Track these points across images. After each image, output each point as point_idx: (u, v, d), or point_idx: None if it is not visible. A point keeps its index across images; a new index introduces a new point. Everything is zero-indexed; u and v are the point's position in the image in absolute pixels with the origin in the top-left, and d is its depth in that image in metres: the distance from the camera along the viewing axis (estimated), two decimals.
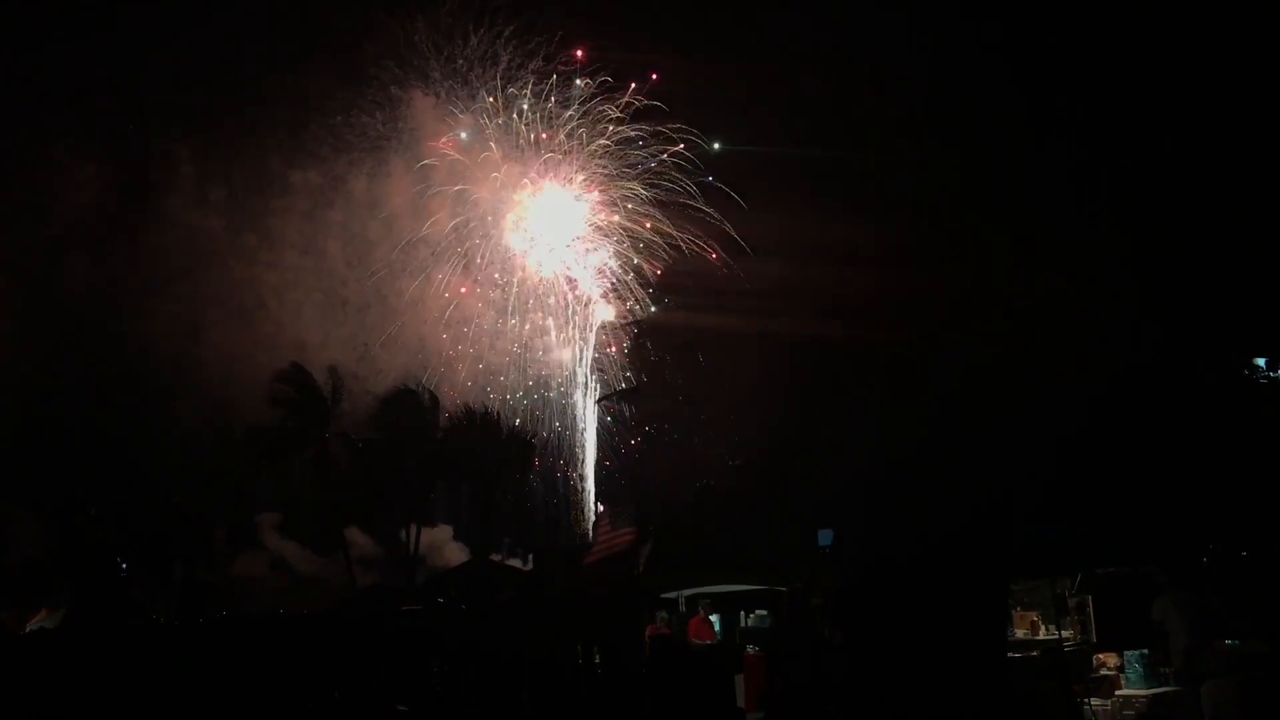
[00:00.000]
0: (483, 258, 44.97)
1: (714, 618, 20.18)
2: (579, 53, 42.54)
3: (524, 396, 45.24)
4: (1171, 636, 11.74)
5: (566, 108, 43.77)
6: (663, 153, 43.37)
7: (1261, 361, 32.97)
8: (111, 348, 40.66)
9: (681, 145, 43.19)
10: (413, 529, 39.70)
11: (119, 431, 39.01)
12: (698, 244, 43.53)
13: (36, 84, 40.57)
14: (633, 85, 42.93)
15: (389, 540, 41.85)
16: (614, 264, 45.43)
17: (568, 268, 45.73)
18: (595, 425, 45.33)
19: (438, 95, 43.91)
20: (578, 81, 42.96)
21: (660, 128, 43.30)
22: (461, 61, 43.77)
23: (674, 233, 43.71)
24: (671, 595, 22.10)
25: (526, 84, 43.65)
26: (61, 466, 37.18)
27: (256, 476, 40.77)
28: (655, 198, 44.21)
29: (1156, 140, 34.13)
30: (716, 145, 42.89)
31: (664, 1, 43.50)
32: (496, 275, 45.19)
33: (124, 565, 36.96)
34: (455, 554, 42.83)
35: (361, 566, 40.44)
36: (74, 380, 39.65)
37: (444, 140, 43.60)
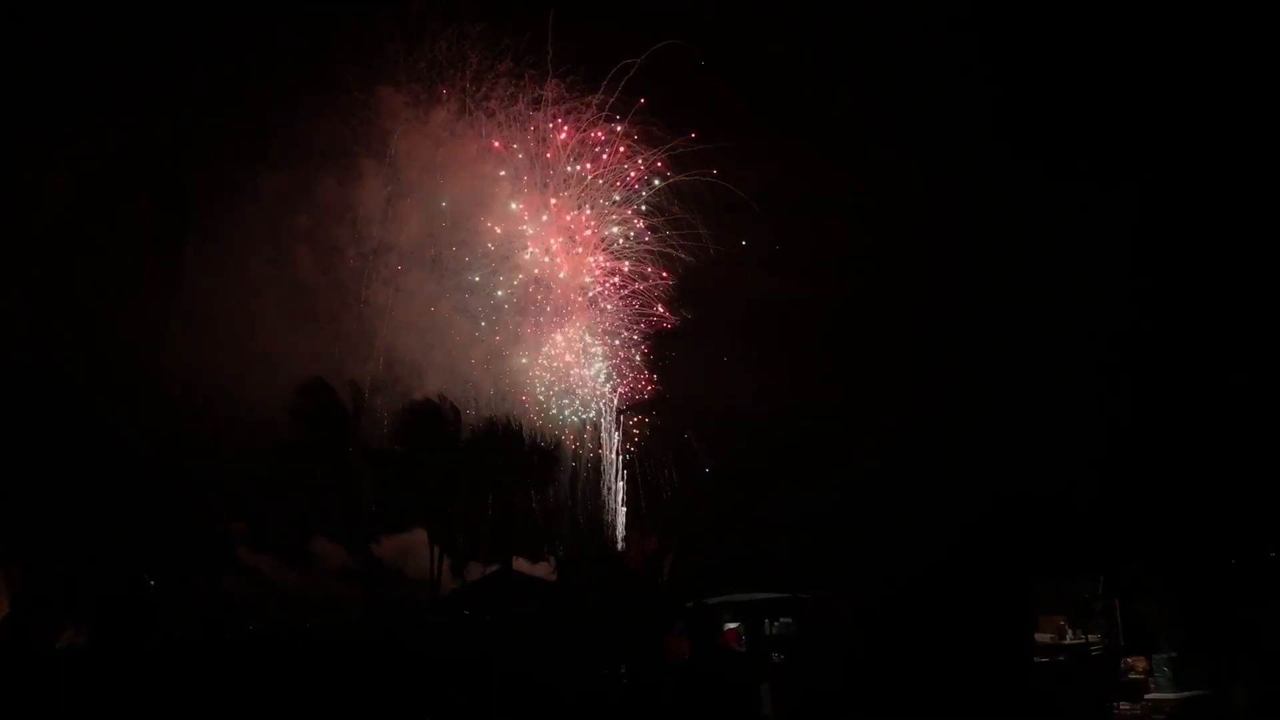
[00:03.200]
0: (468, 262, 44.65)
1: (732, 626, 20.16)
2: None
3: (548, 406, 45.13)
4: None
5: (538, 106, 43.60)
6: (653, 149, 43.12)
7: None
8: (71, 358, 40.18)
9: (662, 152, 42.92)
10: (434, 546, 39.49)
11: (92, 443, 38.61)
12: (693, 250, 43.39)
13: None
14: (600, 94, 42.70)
15: (359, 550, 41.25)
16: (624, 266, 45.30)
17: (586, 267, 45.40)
18: (617, 436, 45.27)
19: (405, 99, 43.75)
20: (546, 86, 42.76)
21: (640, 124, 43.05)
22: (424, 65, 43.70)
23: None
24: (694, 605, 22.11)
25: (495, 84, 43.55)
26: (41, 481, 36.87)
27: (288, 490, 40.41)
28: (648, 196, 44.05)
29: (1174, 136, 33.87)
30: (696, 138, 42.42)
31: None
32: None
33: (151, 582, 37.01)
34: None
35: (334, 578, 40.04)
36: (39, 390, 39.10)
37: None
